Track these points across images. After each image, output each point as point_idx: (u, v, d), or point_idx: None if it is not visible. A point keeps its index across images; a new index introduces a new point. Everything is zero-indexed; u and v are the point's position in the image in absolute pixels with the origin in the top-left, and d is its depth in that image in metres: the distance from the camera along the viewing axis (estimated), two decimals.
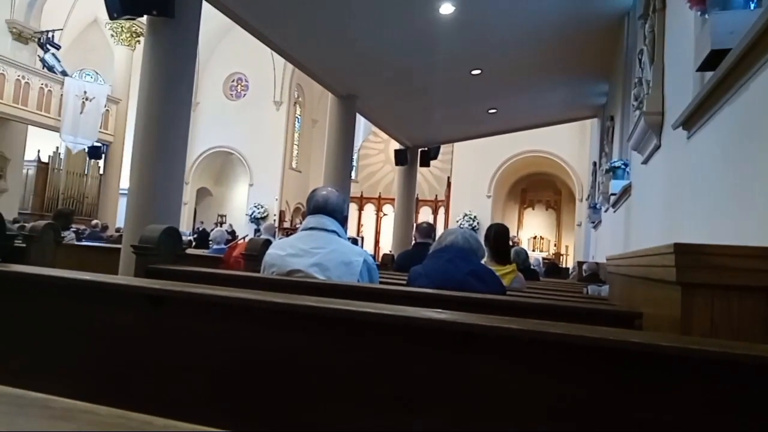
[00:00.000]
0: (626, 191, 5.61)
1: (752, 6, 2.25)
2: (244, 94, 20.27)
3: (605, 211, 8.07)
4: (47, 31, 14.58)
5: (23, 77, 12.94)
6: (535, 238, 19.43)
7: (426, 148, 13.24)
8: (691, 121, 2.93)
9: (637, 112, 4.44)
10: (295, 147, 21.14)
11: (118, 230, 10.92)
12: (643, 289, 1.77)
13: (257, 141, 19.44)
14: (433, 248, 2.63)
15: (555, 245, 19.26)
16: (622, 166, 5.81)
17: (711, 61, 2.39)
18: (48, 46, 14.22)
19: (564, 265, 14.99)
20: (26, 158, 14.75)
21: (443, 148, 14.62)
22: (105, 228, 10.68)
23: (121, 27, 14.66)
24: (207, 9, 5.90)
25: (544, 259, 12.89)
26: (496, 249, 3.42)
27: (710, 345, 0.97)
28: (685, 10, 2.85)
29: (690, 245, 1.31)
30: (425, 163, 13.54)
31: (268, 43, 7.72)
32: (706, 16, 2.45)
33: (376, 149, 21.90)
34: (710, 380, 0.95)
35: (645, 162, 4.49)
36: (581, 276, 7.17)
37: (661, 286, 1.47)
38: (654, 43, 4.08)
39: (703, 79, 2.78)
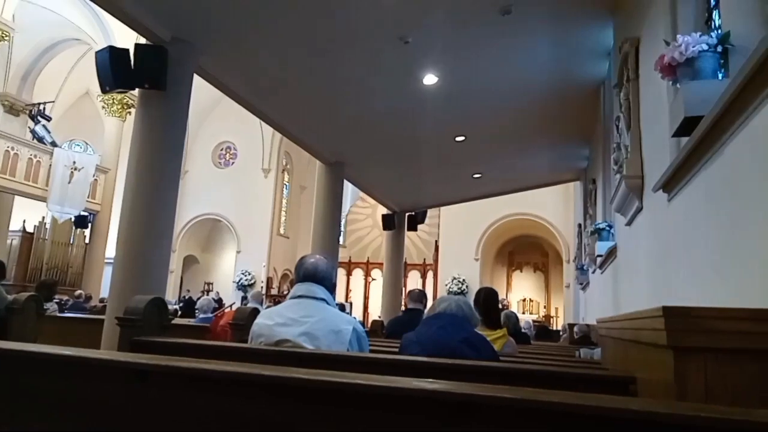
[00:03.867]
0: (612, 252, 5.66)
1: (720, 76, 2.37)
2: (233, 162, 20.51)
3: (593, 273, 8.10)
4: (39, 104, 14.85)
5: (12, 148, 13.04)
6: (524, 300, 19.33)
7: (413, 213, 13.36)
8: (671, 184, 3.01)
9: (618, 176, 4.55)
10: (283, 213, 21.22)
11: (101, 300, 10.72)
12: (635, 352, 1.76)
13: (245, 208, 19.50)
14: (425, 315, 2.61)
15: (545, 307, 19.16)
16: (607, 228, 5.89)
17: (685, 128, 2.49)
18: (39, 117, 14.45)
19: (554, 327, 14.85)
20: (11, 228, 14.63)
21: (430, 212, 14.76)
22: (89, 298, 10.50)
23: (113, 99, 14.95)
24: (198, 80, 6.06)
25: (534, 321, 12.78)
26: (486, 313, 3.40)
27: (708, 412, 0.96)
28: (658, 80, 2.99)
29: (679, 308, 1.31)
30: (413, 228, 13.61)
31: (256, 113, 7.90)
32: (678, 85, 2.57)
33: (363, 214, 22.03)
34: None
35: (629, 224, 4.56)
36: (572, 339, 7.11)
37: (653, 349, 1.46)
38: (630, 110, 4.24)
39: (679, 145, 2.88)
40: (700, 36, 2.38)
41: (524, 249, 19.73)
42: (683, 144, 2.70)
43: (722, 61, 2.37)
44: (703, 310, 1.32)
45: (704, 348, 1.28)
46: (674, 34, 2.99)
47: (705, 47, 2.34)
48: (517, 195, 13.98)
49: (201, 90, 6.66)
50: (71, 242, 16.09)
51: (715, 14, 2.89)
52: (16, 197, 14.05)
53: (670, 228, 3.19)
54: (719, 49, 2.34)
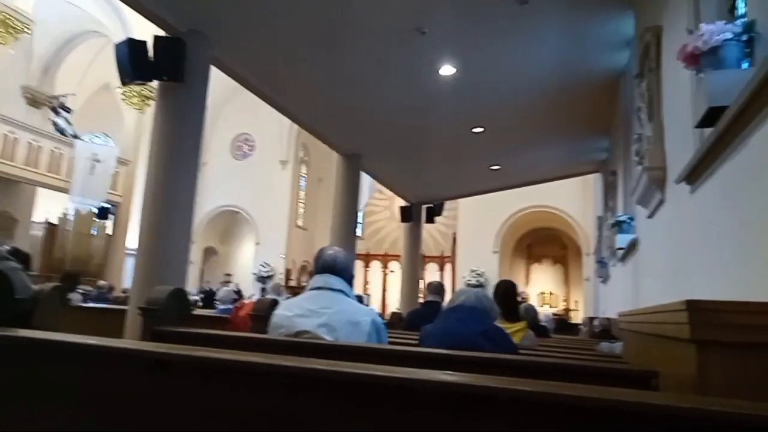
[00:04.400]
0: (633, 245, 5.59)
1: (745, 65, 2.32)
2: (251, 154, 20.63)
3: (613, 266, 8.01)
4: (60, 96, 15.07)
5: (35, 141, 13.26)
6: (543, 293, 19.21)
7: (431, 205, 13.32)
8: (694, 175, 2.96)
9: (639, 167, 4.49)
10: (301, 205, 21.32)
11: (124, 291, 10.89)
12: (657, 346, 1.74)
13: (263, 200, 19.63)
14: (444, 307, 2.61)
15: (564, 300, 19.02)
16: (628, 221, 5.81)
17: (709, 118, 2.44)
18: (60, 110, 14.67)
19: (574, 321, 14.74)
20: (35, 220, 14.91)
21: (448, 204, 14.71)
22: (111, 289, 10.66)
23: (132, 91, 15.11)
24: (215, 72, 6.10)
25: (553, 314, 12.70)
26: (505, 306, 3.38)
27: (732, 407, 0.94)
28: (680, 70, 2.93)
29: (702, 302, 1.29)
30: (430, 220, 13.58)
31: (274, 105, 7.93)
32: (701, 75, 2.51)
33: (381, 206, 22.03)
34: None
35: (650, 216, 4.50)
36: (592, 332, 7.05)
37: (675, 343, 1.44)
38: (651, 101, 4.16)
39: (703, 135, 2.82)
40: (725, 24, 2.32)
41: (543, 241, 19.58)
42: (707, 135, 2.65)
43: (747, 50, 2.31)
44: (727, 304, 1.30)
45: (728, 342, 1.26)
46: (697, 23, 2.92)
47: (729, 36, 2.29)
48: (535, 187, 13.85)
49: (218, 82, 6.70)
50: (94, 233, 16.36)
51: (738, 2, 2.82)
52: (39, 189, 14.30)
53: (693, 220, 3.14)
54: (744, 37, 2.28)
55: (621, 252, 6.17)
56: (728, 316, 1.26)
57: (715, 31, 2.30)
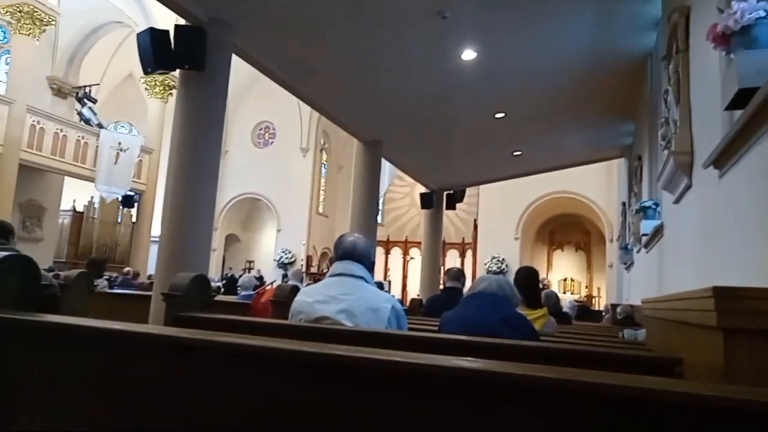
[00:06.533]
0: (658, 231, 5.49)
1: None
2: (272, 142, 20.73)
3: (637, 252, 7.89)
4: (85, 86, 15.31)
5: (61, 130, 13.51)
6: (565, 280, 19.06)
7: (452, 191, 13.25)
8: (722, 160, 2.88)
9: (666, 152, 4.39)
10: (322, 192, 21.40)
11: (149, 277, 11.08)
12: (682, 333, 1.71)
13: (284, 187, 19.75)
14: (465, 294, 2.60)
15: (586, 287, 18.85)
16: (653, 206, 5.70)
17: (739, 100, 2.36)
18: (85, 100, 14.91)
19: (596, 308, 14.61)
20: (62, 208, 15.24)
21: (469, 191, 14.61)
22: (136, 275, 10.87)
23: (155, 81, 15.28)
24: (236, 61, 6.12)
25: (576, 301, 12.60)
26: (526, 293, 3.35)
27: (759, 395, 0.92)
28: (709, 50, 2.84)
29: (729, 288, 1.26)
30: (451, 206, 13.52)
31: (294, 93, 7.93)
32: (731, 55, 2.44)
33: (401, 193, 22.01)
34: None
35: (676, 201, 4.41)
36: (615, 319, 6.98)
37: (701, 331, 1.41)
38: (679, 83, 4.06)
39: (732, 118, 2.74)
40: (758, 2, 2.24)
41: (565, 228, 19.38)
42: (736, 117, 2.57)
43: None
44: (755, 290, 1.27)
45: (756, 330, 1.22)
46: (728, 1, 2.83)
47: (762, 14, 2.20)
48: (558, 173, 13.65)
49: (239, 70, 6.72)
50: (119, 221, 16.67)
51: None
52: (66, 177, 14.59)
53: (721, 206, 3.06)
54: None
55: (645, 238, 6.07)
56: (756, 303, 1.23)
57: (748, 9, 2.22)
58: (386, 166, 11.80)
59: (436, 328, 2.57)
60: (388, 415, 1.19)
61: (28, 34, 12.66)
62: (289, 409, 1.30)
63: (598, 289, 18.17)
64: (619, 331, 4.38)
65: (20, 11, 12.53)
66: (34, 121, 12.73)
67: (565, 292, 17.91)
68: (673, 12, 4.18)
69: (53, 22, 13.39)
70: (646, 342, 2.93)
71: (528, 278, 3.50)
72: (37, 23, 12.83)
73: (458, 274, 4.75)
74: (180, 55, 5.50)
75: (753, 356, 1.22)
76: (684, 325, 1.64)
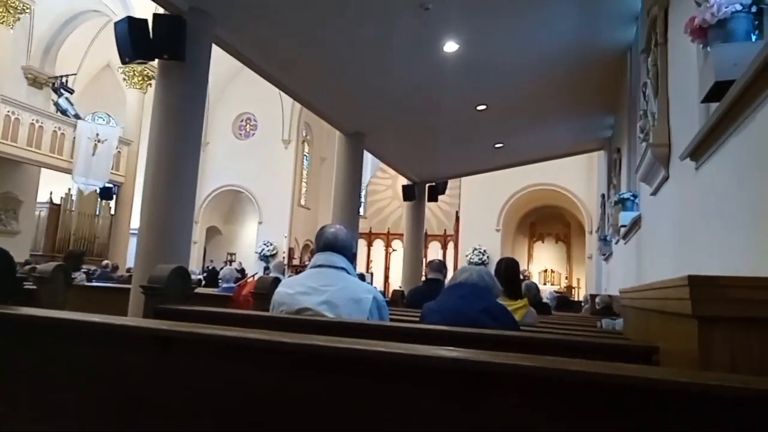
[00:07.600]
0: (636, 223, 5.57)
1: (753, 38, 2.27)
2: (253, 134, 20.55)
3: (616, 243, 8.00)
4: (61, 76, 14.99)
5: (37, 121, 13.23)
6: (545, 271, 19.26)
7: (434, 183, 13.29)
8: (699, 152, 2.92)
9: (644, 144, 4.45)
10: (304, 184, 21.31)
11: (128, 270, 10.96)
12: (659, 322, 1.74)
13: (266, 179, 19.61)
14: (447, 285, 2.61)
15: (566, 278, 19.08)
16: (631, 198, 5.78)
17: (715, 93, 2.40)
18: (62, 90, 14.60)
19: (576, 299, 14.80)
20: (38, 200, 14.95)
21: (451, 183, 14.67)
22: (115, 268, 10.73)
23: (134, 71, 15.02)
24: (217, 52, 6.04)
25: (555, 292, 12.74)
26: (507, 284, 3.38)
27: (732, 381, 0.94)
28: (687, 44, 2.88)
29: (705, 277, 1.28)
30: (433, 198, 13.57)
31: (276, 84, 7.86)
32: (708, 48, 2.47)
33: (384, 185, 22.01)
34: (735, 417, 0.92)
35: (654, 193, 4.47)
36: (594, 309, 7.07)
37: (677, 319, 1.44)
38: (657, 76, 4.11)
39: (709, 111, 2.78)
40: None
41: (546, 220, 19.57)
42: (713, 110, 2.61)
43: (756, 23, 2.27)
44: (730, 279, 1.29)
45: (730, 318, 1.25)
46: None
47: (738, 8, 2.24)
48: (539, 165, 13.80)
49: (220, 62, 6.65)
50: (97, 213, 16.41)
51: None
52: (43, 169, 14.31)
53: (697, 197, 3.11)
54: (754, 9, 2.23)
55: (624, 229, 6.15)
56: (731, 291, 1.25)
57: (724, 3, 2.25)
58: (369, 159, 11.78)
59: (418, 319, 2.58)
60: (371, 405, 1.20)
61: (2, 23, 12.35)
62: (270, 399, 1.29)
63: (578, 280, 18.41)
64: (598, 320, 4.45)
65: None
66: (9, 111, 12.45)
67: (545, 283, 18.11)
68: (653, 5, 4.23)
69: (27, 11, 13.08)
70: (623, 331, 2.98)
71: (509, 269, 3.53)
72: (11, 11, 12.51)
73: (440, 266, 4.77)
74: (159, 45, 5.41)
75: (727, 343, 1.25)
76: (660, 313, 1.67)
